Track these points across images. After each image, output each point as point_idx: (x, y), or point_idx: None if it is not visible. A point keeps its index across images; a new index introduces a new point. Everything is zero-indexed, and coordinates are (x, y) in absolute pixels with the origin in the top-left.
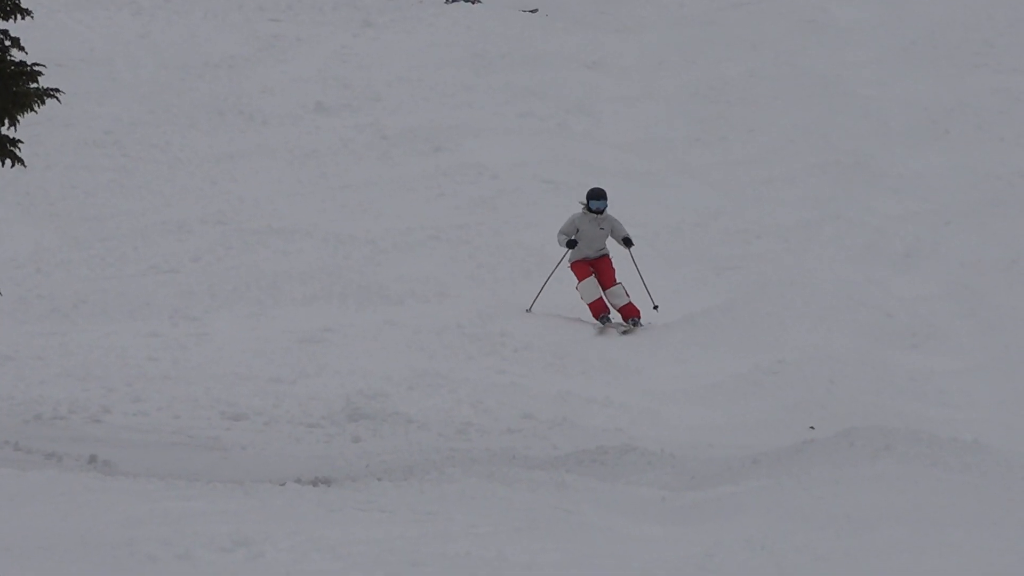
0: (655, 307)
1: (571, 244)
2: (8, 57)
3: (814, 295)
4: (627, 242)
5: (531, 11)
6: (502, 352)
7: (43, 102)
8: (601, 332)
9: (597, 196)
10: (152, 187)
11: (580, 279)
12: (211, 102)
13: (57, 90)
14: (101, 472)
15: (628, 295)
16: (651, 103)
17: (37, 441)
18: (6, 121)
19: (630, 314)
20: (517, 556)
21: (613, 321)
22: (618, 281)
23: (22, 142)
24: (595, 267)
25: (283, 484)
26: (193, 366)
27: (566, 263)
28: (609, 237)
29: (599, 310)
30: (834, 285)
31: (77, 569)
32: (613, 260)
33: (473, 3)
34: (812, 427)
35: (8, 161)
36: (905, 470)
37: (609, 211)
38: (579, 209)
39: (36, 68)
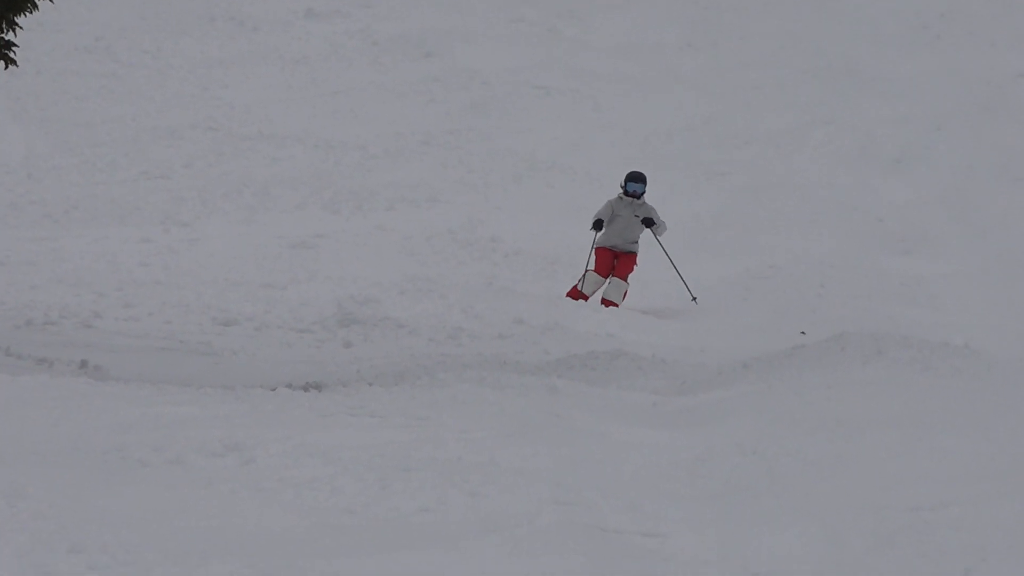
0: (693, 299)
1: (597, 225)
2: None
3: (805, 200)
4: (647, 222)
5: None
6: (493, 257)
7: (36, 7)
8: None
9: (635, 179)
10: (143, 93)
11: (594, 268)
12: (201, 8)
13: None
14: (92, 377)
15: (624, 298)
16: (641, 8)
17: (28, 346)
18: (3, 25)
19: (607, 304)
20: (508, 461)
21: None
22: (628, 282)
23: (17, 46)
24: (618, 259)
25: (274, 389)
26: (184, 272)
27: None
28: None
29: (576, 296)
30: (825, 190)
31: (69, 475)
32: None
33: None
34: (803, 332)
35: (3, 63)
36: (896, 375)
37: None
38: (616, 194)
39: None
